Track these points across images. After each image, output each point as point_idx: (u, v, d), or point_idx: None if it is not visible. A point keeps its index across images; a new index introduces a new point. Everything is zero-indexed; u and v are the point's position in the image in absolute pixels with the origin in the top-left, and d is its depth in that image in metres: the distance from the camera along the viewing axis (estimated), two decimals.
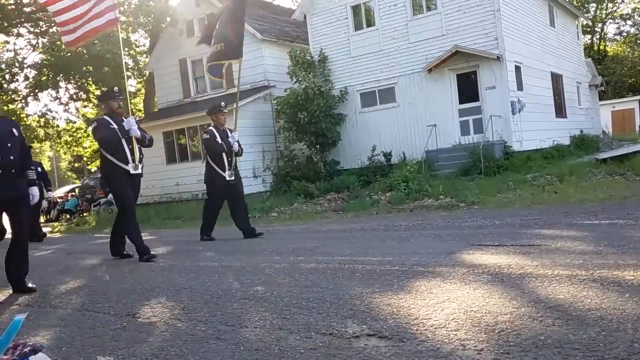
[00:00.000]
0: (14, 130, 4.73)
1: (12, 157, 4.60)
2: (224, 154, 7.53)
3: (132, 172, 6.20)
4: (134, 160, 6.23)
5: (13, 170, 4.62)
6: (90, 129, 6.28)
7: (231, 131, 7.71)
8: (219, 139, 7.50)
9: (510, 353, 2.22)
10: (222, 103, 7.91)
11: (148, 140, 6.47)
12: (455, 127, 14.72)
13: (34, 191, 4.89)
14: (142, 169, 6.41)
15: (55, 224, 18.72)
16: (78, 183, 31.21)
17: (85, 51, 20.59)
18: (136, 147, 6.28)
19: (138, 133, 6.22)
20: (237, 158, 7.84)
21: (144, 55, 25.85)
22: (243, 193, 8.01)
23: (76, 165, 47.31)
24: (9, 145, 4.61)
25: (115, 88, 6.48)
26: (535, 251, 4.38)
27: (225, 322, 3.14)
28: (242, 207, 7.81)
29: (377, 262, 4.61)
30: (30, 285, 4.87)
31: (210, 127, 7.68)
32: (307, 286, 3.90)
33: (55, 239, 12.51)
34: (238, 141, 7.73)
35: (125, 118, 6.30)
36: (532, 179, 10.89)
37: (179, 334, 3.00)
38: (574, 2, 33.22)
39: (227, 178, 7.54)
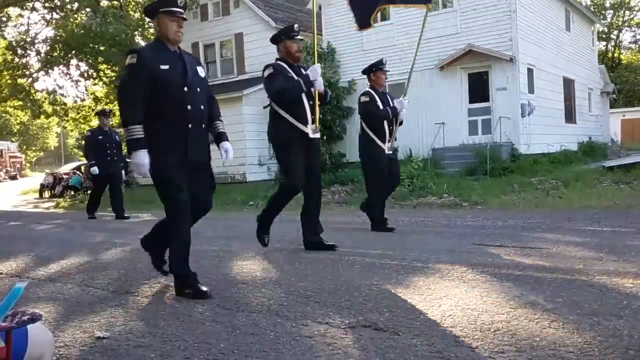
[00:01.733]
0: (200, 71, 3.60)
1: (202, 107, 3.47)
2: (385, 122, 6.13)
3: (311, 135, 4.84)
4: (313, 121, 4.88)
5: (203, 126, 3.51)
6: (264, 75, 4.81)
7: (390, 96, 6.37)
8: (379, 103, 6.10)
9: (505, 352, 2.22)
10: (384, 59, 6.51)
11: (329, 97, 5.15)
12: (463, 126, 14.69)
13: (227, 145, 3.68)
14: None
15: (60, 199, 18.80)
16: (84, 160, 31.31)
17: (99, 29, 20.54)
18: (317, 104, 4.91)
19: (322, 86, 4.90)
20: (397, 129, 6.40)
21: None
22: (399, 173, 6.65)
23: (83, 142, 47.46)
24: (198, 90, 3.47)
25: (296, 26, 4.99)
26: (536, 254, 4.38)
27: (222, 306, 3.16)
28: (390, 189, 6.50)
29: (377, 255, 4.62)
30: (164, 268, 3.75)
31: (368, 89, 6.26)
32: (306, 275, 3.92)
33: (58, 214, 12.59)
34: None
35: (301, 65, 4.98)
36: (538, 183, 10.86)
37: (177, 315, 3.02)
38: (591, 8, 32.96)
39: (386, 152, 6.16)
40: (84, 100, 28.64)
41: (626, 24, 40.26)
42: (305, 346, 2.41)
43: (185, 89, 3.37)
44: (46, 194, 22.52)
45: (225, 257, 4.94)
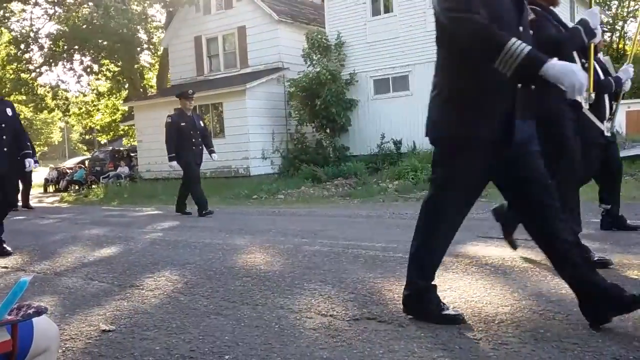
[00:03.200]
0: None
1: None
2: (605, 96, 4.50)
3: (585, 106, 3.81)
4: (588, 87, 3.34)
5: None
6: None
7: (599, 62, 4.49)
8: (600, 73, 4.47)
9: (509, 344, 2.22)
10: (604, 17, 4.82)
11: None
12: None
13: None
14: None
15: (64, 194, 18.85)
16: (88, 155, 31.40)
17: (100, 23, 20.52)
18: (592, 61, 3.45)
19: (601, 37, 3.56)
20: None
21: (159, 31, 25.82)
22: (620, 160, 5.05)
23: (87, 137, 47.52)
24: (530, 33, 2.59)
25: None
26: None
27: (227, 299, 3.17)
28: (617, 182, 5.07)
29: (380, 248, 4.62)
30: None
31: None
32: (309, 268, 3.92)
33: (63, 209, 12.63)
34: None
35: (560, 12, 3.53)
36: None
37: (181, 307, 3.03)
38: None
39: (606, 133, 4.54)
40: (86, 95, 28.64)
41: (631, 15, 39.98)
42: (309, 338, 2.42)
43: (521, 28, 2.45)
44: (50, 189, 22.60)
45: (230, 250, 4.94)
